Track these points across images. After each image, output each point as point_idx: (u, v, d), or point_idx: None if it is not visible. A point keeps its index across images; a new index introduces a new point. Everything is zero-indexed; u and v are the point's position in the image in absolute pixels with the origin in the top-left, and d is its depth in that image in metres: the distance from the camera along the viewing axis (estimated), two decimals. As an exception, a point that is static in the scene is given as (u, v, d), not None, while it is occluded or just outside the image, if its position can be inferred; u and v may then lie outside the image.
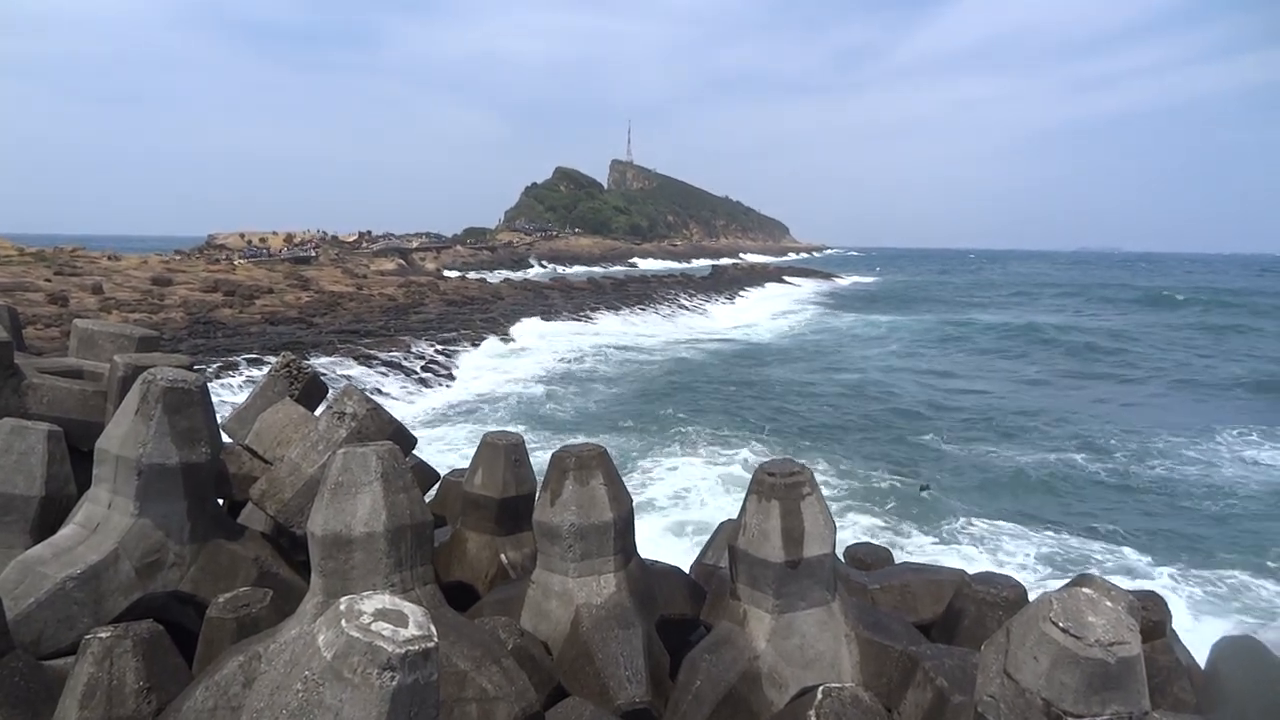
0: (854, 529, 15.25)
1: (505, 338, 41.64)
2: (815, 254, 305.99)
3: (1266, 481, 19.60)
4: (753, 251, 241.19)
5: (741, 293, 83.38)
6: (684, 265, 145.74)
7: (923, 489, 17.33)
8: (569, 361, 37.36)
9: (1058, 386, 34.45)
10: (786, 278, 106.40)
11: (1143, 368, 37.98)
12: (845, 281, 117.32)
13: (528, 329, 44.83)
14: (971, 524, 16.12)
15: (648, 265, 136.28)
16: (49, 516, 5.65)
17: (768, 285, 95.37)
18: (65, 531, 5.22)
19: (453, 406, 27.76)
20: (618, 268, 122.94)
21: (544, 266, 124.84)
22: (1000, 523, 16.62)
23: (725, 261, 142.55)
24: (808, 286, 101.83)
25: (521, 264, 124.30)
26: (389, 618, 2.93)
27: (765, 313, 67.70)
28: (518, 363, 36.28)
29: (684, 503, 16.84)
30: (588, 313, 54.88)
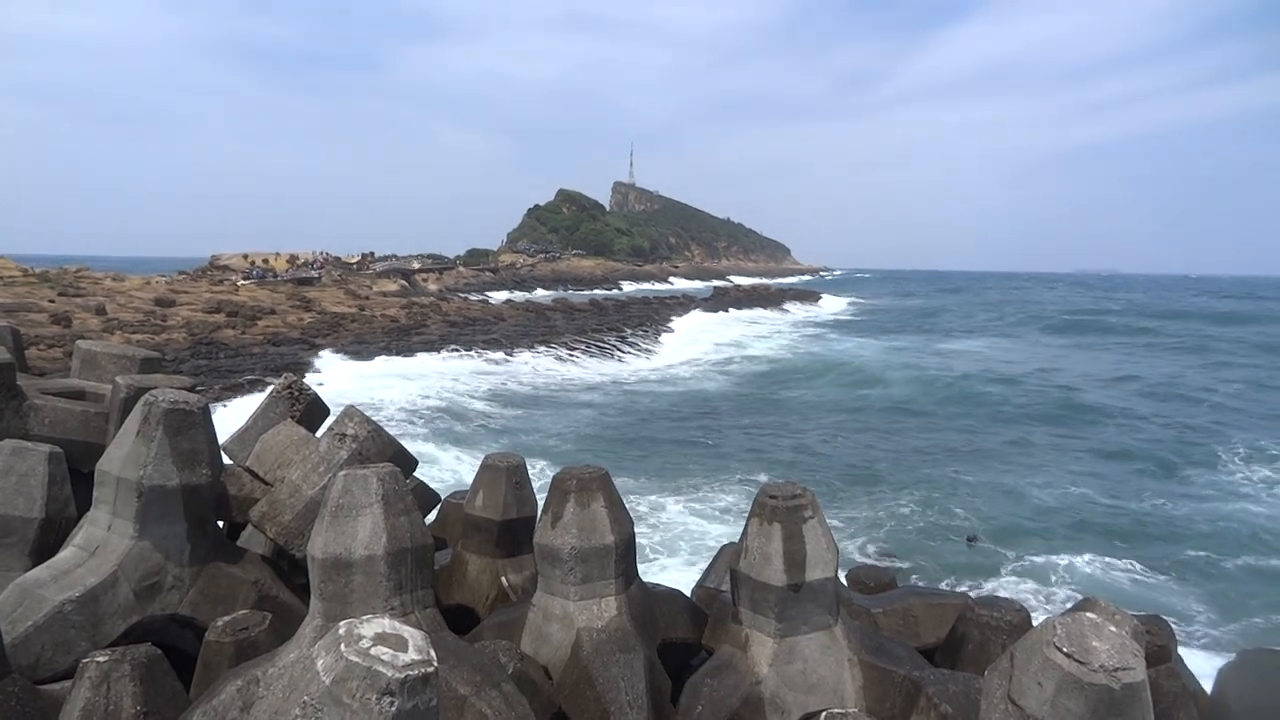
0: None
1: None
2: (818, 275, 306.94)
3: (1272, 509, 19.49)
4: (754, 274, 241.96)
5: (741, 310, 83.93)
6: (665, 286, 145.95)
7: (970, 539, 16.43)
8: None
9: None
10: (786, 304, 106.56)
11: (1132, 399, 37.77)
12: (841, 303, 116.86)
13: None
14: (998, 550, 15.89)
15: (630, 288, 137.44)
16: (49, 538, 5.64)
17: (768, 309, 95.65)
18: (64, 554, 5.21)
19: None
20: (597, 291, 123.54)
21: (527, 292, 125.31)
22: (1007, 550, 16.49)
23: (723, 283, 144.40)
24: (803, 310, 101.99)
25: (525, 284, 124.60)
26: (389, 642, 2.91)
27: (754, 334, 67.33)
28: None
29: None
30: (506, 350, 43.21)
